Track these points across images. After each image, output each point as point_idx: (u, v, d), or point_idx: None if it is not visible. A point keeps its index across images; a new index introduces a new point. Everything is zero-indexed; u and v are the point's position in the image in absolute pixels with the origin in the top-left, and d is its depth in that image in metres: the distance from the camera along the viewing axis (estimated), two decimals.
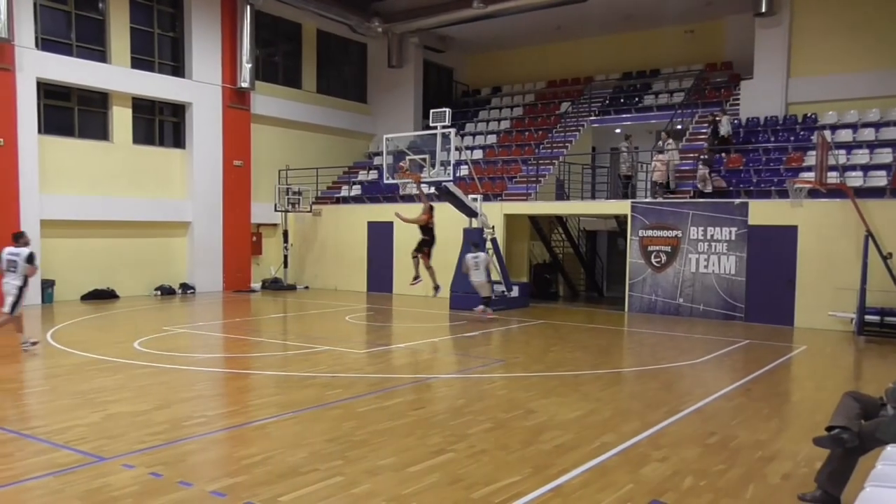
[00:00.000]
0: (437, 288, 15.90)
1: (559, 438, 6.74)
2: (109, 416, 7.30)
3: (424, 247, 15.55)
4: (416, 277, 15.67)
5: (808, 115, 18.80)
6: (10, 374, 9.43)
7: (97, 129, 19.10)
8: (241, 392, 8.90)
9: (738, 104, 20.53)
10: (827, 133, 16.91)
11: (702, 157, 17.60)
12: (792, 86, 19.52)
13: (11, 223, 16.48)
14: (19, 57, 16.74)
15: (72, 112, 18.59)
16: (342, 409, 7.72)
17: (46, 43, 17.74)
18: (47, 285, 17.38)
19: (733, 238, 16.13)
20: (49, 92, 17.95)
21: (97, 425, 6.94)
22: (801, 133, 18.31)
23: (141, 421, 7.11)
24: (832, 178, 14.82)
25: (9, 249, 10.95)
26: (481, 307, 15.94)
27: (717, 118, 18.92)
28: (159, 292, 19.85)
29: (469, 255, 16.09)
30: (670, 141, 18.81)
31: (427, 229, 15.54)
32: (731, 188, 16.96)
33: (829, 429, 4.98)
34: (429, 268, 15.63)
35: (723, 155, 18.42)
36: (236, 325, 14.75)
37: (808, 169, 16.17)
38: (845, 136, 17.57)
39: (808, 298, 15.30)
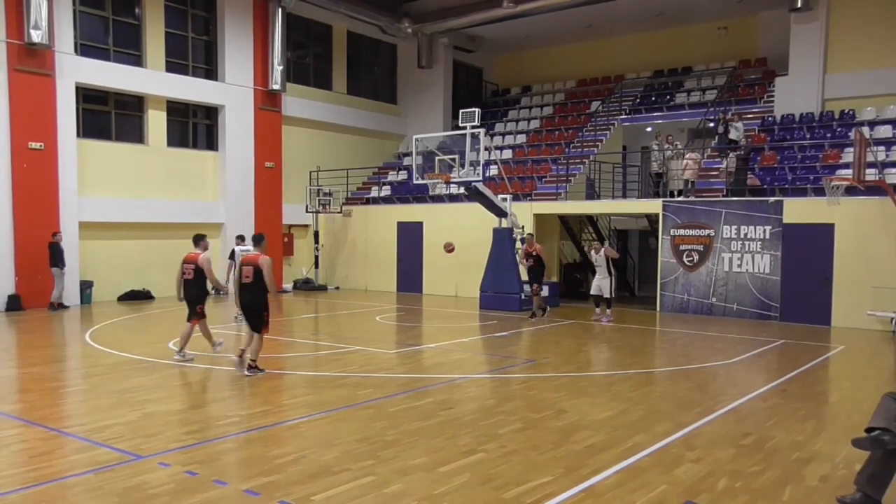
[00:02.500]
0: (544, 310, 16.14)
1: (591, 439, 6.70)
2: (146, 414, 7.43)
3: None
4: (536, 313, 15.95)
5: (846, 111, 18.43)
6: (50, 373, 9.66)
7: (133, 132, 19.46)
8: (274, 392, 8.99)
9: (772, 101, 20.22)
10: (865, 129, 16.56)
11: (737, 154, 17.39)
12: (828, 82, 19.14)
13: (52, 225, 16.88)
14: (59, 63, 17.13)
15: (109, 116, 18.97)
16: (373, 410, 7.76)
17: (85, 48, 18.12)
18: (86, 286, 17.76)
19: (768, 237, 15.88)
20: (87, 96, 18.34)
21: (134, 424, 7.07)
22: (839, 130, 17.95)
23: (176, 420, 7.23)
24: (870, 175, 14.51)
25: (240, 247, 14.08)
26: (607, 310, 15.72)
27: (731, 120, 18.66)
28: None
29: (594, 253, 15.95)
30: (677, 143, 18.61)
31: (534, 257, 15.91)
32: (765, 186, 16.71)
33: (868, 430, 4.88)
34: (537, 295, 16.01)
35: (731, 155, 18.24)
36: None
37: (846, 166, 15.86)
38: (884, 132, 17.20)
39: (845, 298, 15.01)
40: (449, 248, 15.94)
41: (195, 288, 10.53)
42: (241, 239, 15.16)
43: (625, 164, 22.75)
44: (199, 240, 10.96)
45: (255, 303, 9.46)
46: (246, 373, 9.40)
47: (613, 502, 5.16)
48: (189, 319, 10.54)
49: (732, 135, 18.37)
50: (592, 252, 15.76)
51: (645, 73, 24.92)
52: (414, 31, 24.83)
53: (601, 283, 15.53)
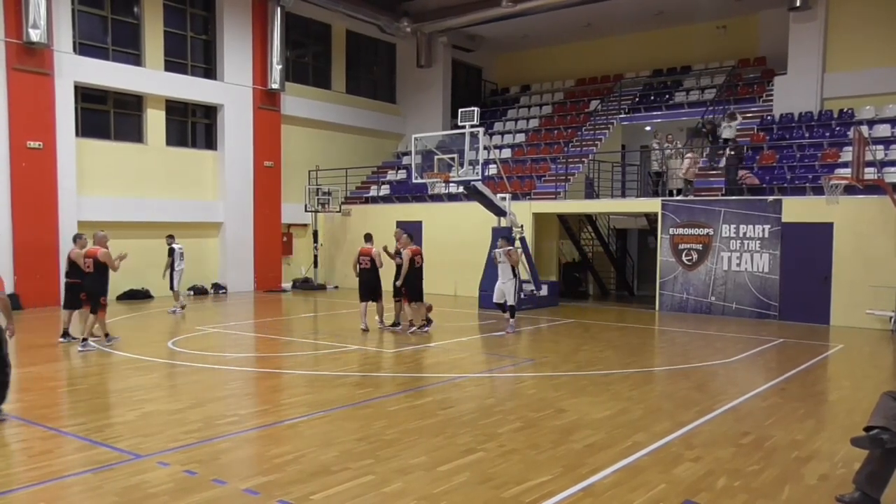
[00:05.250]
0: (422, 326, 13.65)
1: (590, 438, 6.70)
2: (145, 414, 7.43)
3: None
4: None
5: (845, 110, 18.44)
6: (49, 372, 9.65)
7: (132, 131, 19.44)
8: (273, 391, 9.00)
9: (771, 100, 20.22)
10: (864, 128, 16.58)
11: (730, 152, 17.40)
12: (827, 81, 19.15)
13: (51, 225, 16.89)
14: (58, 62, 17.12)
15: (108, 115, 18.95)
16: (372, 409, 7.76)
17: (84, 48, 18.12)
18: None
19: (767, 235, 15.89)
20: (86, 95, 18.33)
21: (133, 423, 7.07)
22: (837, 129, 17.96)
23: (175, 419, 7.23)
24: (869, 173, 14.52)
25: (177, 245, 16.17)
26: (510, 319, 13.77)
27: (724, 120, 18.56)
28: (192, 292, 20.13)
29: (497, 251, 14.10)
30: (677, 142, 18.60)
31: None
32: (764, 185, 16.71)
33: (867, 429, 4.88)
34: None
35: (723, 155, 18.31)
36: (267, 325, 14.90)
37: (845, 165, 15.87)
38: (883, 130, 17.21)
39: (844, 296, 15.02)
40: (428, 309, 14.33)
41: (371, 275, 13.24)
42: (171, 238, 16.53)
43: (624, 164, 22.74)
44: (367, 238, 13.83)
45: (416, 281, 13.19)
46: (419, 331, 13.03)
47: (612, 501, 5.16)
48: (368, 301, 13.40)
49: (727, 133, 18.35)
50: (498, 249, 13.98)
51: (644, 73, 24.92)
52: (413, 30, 24.83)
53: (504, 288, 13.71)
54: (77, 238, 11.94)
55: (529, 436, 6.76)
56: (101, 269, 11.40)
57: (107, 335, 11.68)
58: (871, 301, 14.61)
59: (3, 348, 7.09)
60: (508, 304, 13.74)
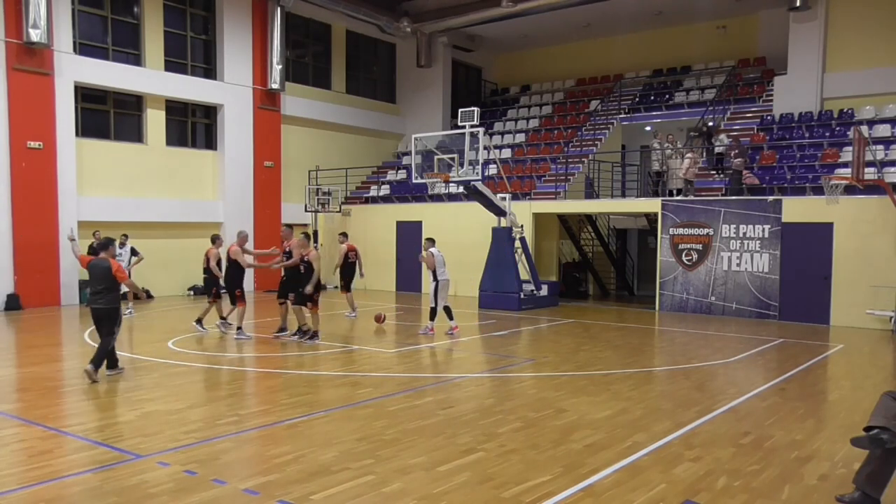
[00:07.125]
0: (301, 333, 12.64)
1: (590, 438, 6.70)
2: (145, 414, 7.43)
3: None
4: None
5: (845, 110, 18.44)
6: (49, 373, 9.64)
7: (132, 131, 19.45)
8: (273, 391, 8.99)
9: (771, 100, 20.22)
10: (864, 128, 16.58)
11: (733, 152, 17.39)
12: (827, 81, 19.15)
13: (51, 225, 16.88)
14: (58, 61, 17.12)
15: (108, 115, 18.96)
16: (372, 409, 7.76)
17: (84, 47, 18.12)
18: (85, 285, 17.72)
19: (767, 235, 15.89)
20: (86, 95, 18.34)
21: (133, 423, 7.07)
22: (837, 129, 17.97)
23: (175, 419, 7.22)
24: (869, 173, 14.53)
25: (124, 248, 15.98)
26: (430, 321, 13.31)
27: (717, 137, 18.48)
28: (193, 292, 20.12)
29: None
30: (677, 142, 18.59)
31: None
32: (764, 185, 16.71)
33: (867, 429, 4.88)
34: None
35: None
36: (267, 325, 14.89)
37: (845, 165, 15.89)
38: (883, 130, 17.21)
39: (844, 296, 15.02)
40: (380, 320, 14.37)
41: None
42: (126, 237, 16.45)
43: (624, 164, 22.73)
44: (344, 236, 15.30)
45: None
46: (309, 340, 12.10)
47: (612, 501, 5.16)
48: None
49: (719, 149, 18.29)
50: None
51: (644, 73, 24.91)
52: (413, 30, 24.84)
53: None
54: (215, 239, 13.56)
55: (529, 436, 6.76)
56: (234, 265, 12.59)
57: (239, 328, 12.51)
58: (871, 301, 14.61)
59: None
60: (431, 304, 13.27)
